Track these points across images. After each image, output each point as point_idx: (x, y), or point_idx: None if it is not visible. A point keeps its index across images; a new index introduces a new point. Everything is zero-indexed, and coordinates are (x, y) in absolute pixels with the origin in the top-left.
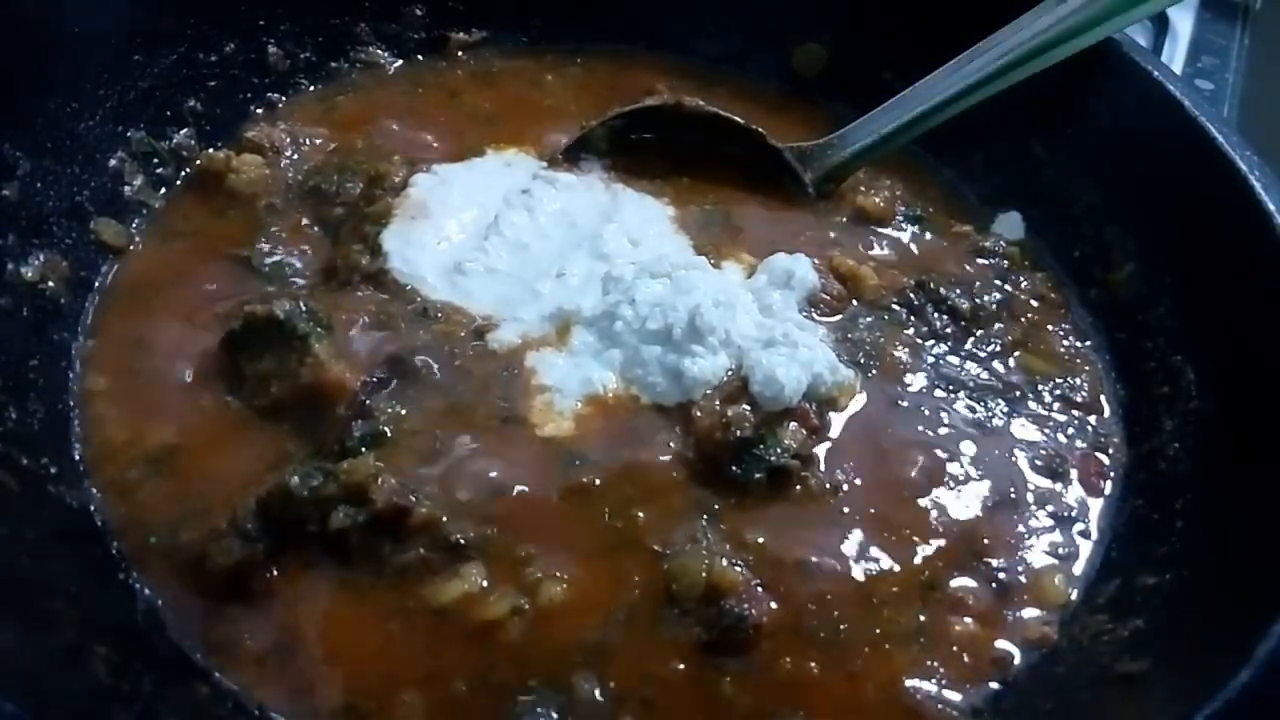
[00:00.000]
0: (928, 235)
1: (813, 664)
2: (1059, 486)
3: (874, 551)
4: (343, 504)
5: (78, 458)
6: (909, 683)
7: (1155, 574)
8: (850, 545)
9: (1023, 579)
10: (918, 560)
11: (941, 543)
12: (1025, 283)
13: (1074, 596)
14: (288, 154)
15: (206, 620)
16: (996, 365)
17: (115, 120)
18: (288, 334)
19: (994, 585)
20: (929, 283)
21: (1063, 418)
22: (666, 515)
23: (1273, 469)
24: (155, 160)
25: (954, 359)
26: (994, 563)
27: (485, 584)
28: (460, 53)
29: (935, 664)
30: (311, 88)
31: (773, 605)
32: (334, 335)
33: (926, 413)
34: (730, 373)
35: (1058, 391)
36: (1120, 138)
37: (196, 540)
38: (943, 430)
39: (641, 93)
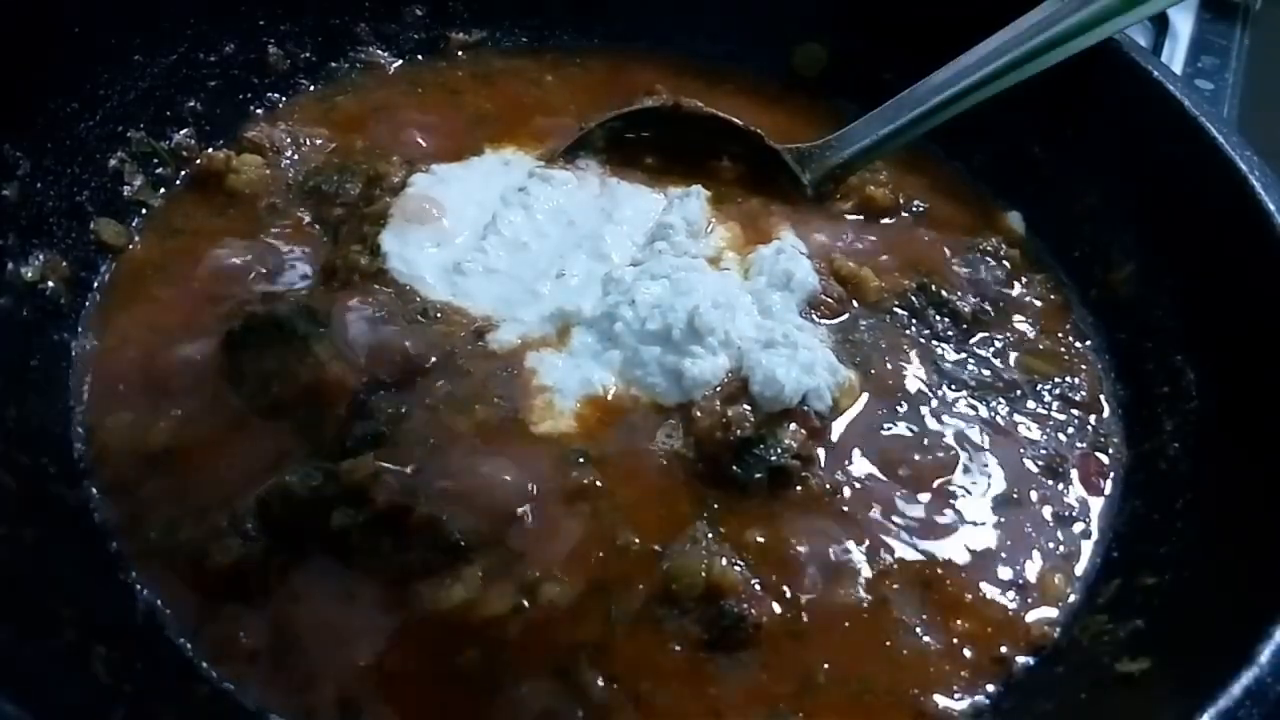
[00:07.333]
0: (929, 233)
1: (812, 664)
2: (1059, 486)
3: (873, 551)
4: (343, 504)
5: (78, 458)
6: (909, 683)
7: (1155, 574)
8: (850, 545)
9: (1023, 579)
10: (918, 560)
11: (941, 542)
12: (1025, 283)
13: (1074, 596)
14: (288, 154)
15: (205, 619)
16: (997, 365)
17: (115, 120)
18: (288, 334)
19: (994, 585)
20: (930, 285)
21: (1063, 417)
22: (666, 515)
23: (1273, 469)
24: (155, 160)
25: (954, 360)
26: (994, 563)
27: (485, 584)
28: (460, 53)
29: (935, 664)
30: (311, 88)
31: (773, 605)
32: (334, 335)
33: (927, 414)
34: (730, 373)
35: (1058, 391)
36: (1120, 138)
37: (196, 539)
38: (943, 431)
39: (641, 93)
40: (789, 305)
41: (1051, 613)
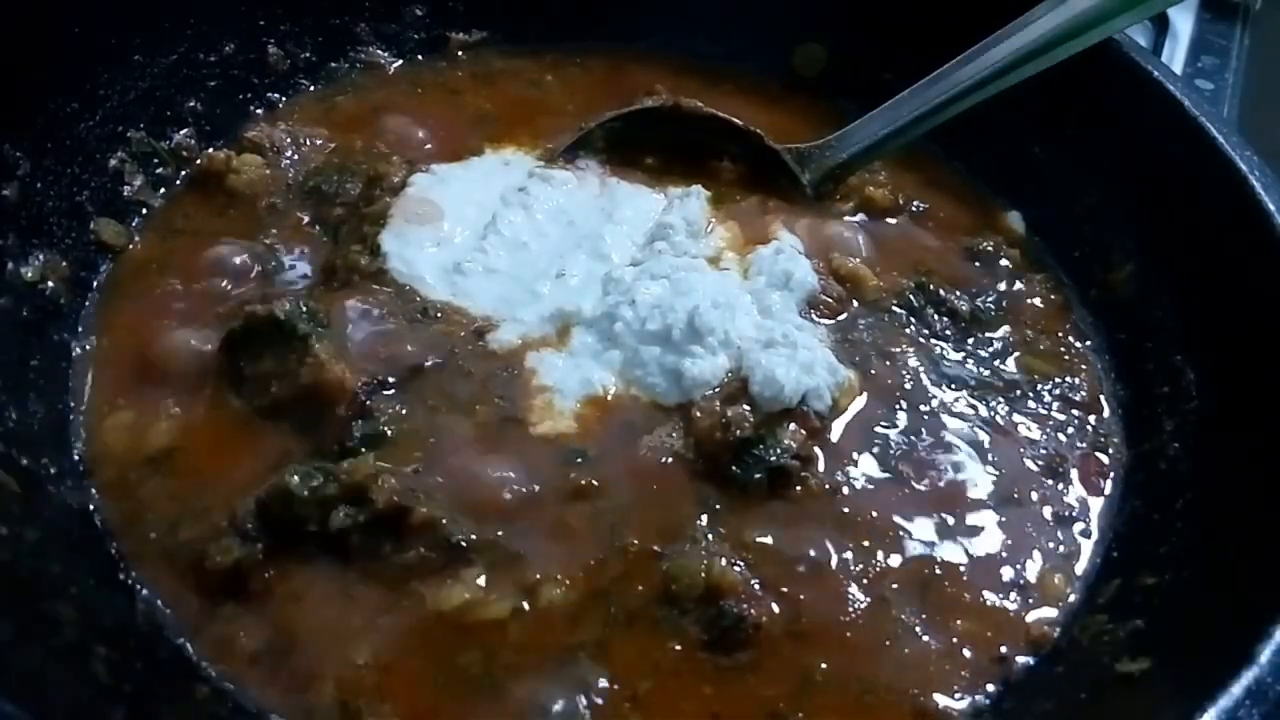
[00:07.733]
0: (929, 233)
1: (812, 664)
2: (1059, 486)
3: (873, 551)
4: (343, 504)
5: (78, 458)
6: (909, 683)
7: (1155, 574)
8: (850, 545)
9: (1023, 579)
10: (917, 560)
11: (941, 542)
12: (1025, 283)
13: (1074, 596)
14: (288, 154)
15: (205, 620)
16: (996, 365)
17: (115, 120)
18: (288, 334)
19: (994, 585)
20: (929, 284)
21: (1063, 417)
22: (666, 515)
23: (1273, 469)
24: (155, 160)
25: (954, 359)
26: (994, 563)
27: (485, 585)
28: (460, 53)
29: (935, 664)
30: (311, 88)
31: (772, 605)
32: (334, 335)
33: (926, 413)
34: (730, 374)
35: (1058, 391)
36: (1120, 138)
37: (196, 540)
38: (942, 430)
39: (641, 93)
40: (788, 305)
41: (1051, 613)
